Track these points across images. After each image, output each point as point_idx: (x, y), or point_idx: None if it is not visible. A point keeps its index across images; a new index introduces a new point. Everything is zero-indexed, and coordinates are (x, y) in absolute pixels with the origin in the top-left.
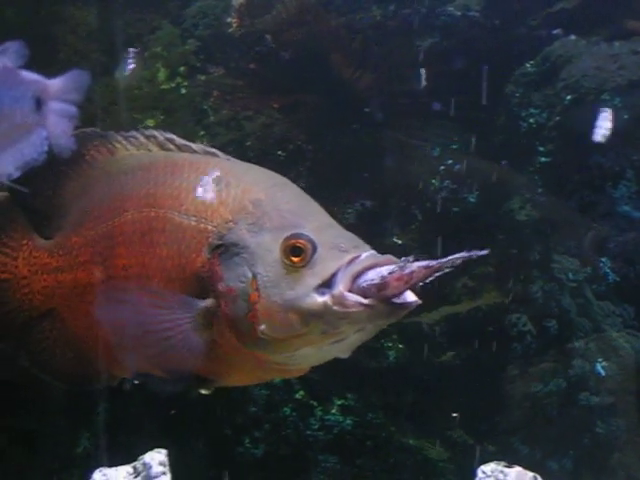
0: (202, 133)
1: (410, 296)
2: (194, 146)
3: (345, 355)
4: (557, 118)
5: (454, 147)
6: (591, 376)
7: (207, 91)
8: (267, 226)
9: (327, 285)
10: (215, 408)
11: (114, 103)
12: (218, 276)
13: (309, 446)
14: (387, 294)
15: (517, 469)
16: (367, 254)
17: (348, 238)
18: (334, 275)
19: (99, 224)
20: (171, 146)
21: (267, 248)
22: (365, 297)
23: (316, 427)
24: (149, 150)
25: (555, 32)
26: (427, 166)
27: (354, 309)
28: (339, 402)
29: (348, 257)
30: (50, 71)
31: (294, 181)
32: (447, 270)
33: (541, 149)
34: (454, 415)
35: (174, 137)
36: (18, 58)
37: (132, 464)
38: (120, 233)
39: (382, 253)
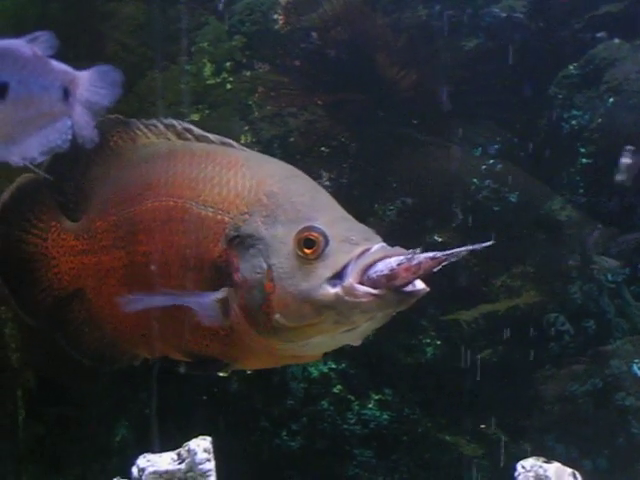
0: (246, 128)
1: (419, 284)
2: (211, 136)
3: (356, 343)
4: (599, 120)
5: (496, 147)
6: (627, 377)
7: (252, 87)
8: (281, 218)
9: (339, 276)
10: (253, 400)
11: (161, 96)
12: (234, 266)
13: (345, 440)
14: (396, 284)
15: (556, 465)
16: (377, 246)
17: (359, 231)
18: (345, 267)
19: (121, 210)
20: (189, 136)
21: (281, 240)
22: (375, 287)
23: (353, 421)
24: (168, 139)
25: (599, 35)
26: (469, 165)
27: (364, 299)
28: (376, 397)
29: (359, 249)
30: (99, 64)
31: (337, 178)
32: (453, 260)
33: (582, 150)
34: (490, 412)
35: (192, 127)
36: (48, 47)
37: (176, 450)
38: (141, 220)
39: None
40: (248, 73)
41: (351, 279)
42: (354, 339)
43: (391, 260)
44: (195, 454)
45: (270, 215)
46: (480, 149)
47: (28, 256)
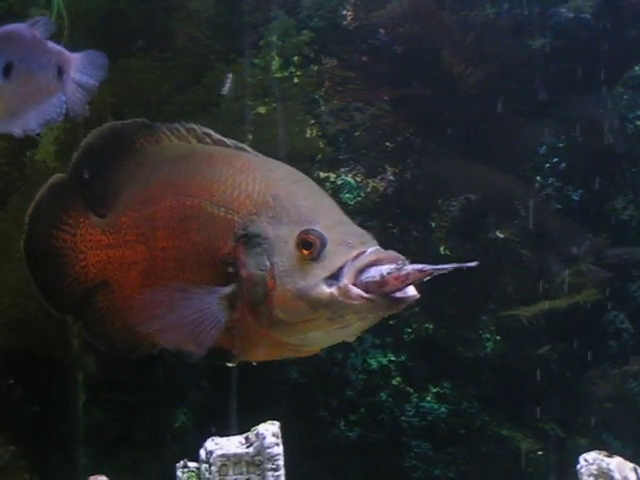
0: (312, 122)
1: (410, 290)
2: (227, 141)
3: (351, 339)
4: None
5: (560, 146)
6: None
7: (319, 81)
8: (285, 220)
9: (335, 277)
10: (313, 391)
11: (229, 89)
12: (241, 263)
13: (403, 432)
14: (386, 290)
15: (618, 459)
16: (372, 250)
17: (356, 234)
18: (341, 268)
19: (143, 207)
20: (208, 140)
21: (284, 240)
22: (367, 292)
23: (411, 413)
24: (189, 142)
25: None
26: (532, 163)
27: (357, 301)
28: (435, 390)
29: (354, 252)
30: (165, 56)
31: (401, 173)
32: (438, 273)
33: None
34: (547, 408)
35: (211, 132)
36: (46, 30)
37: (244, 434)
38: (160, 217)
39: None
40: (315, 67)
41: (346, 280)
42: (348, 335)
43: (382, 268)
44: (264, 438)
45: (275, 216)
46: (544, 147)
47: (58, 250)
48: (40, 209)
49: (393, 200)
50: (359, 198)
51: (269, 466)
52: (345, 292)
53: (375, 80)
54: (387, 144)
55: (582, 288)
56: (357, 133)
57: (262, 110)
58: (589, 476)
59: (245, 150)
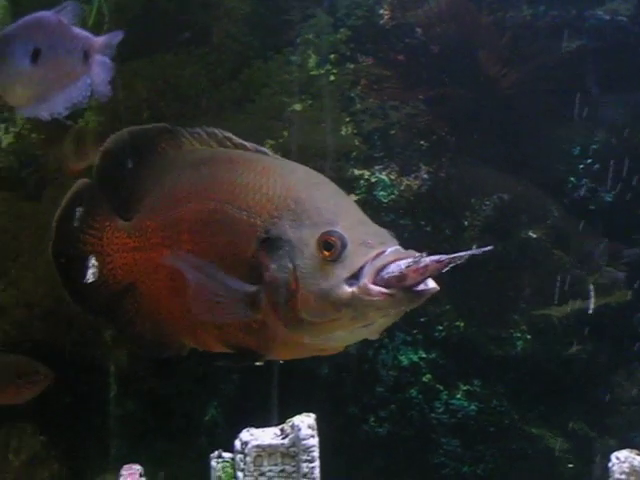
0: (348, 120)
1: (430, 283)
2: (248, 145)
3: (374, 337)
4: None
5: (594, 147)
6: None
7: (355, 79)
8: (306, 222)
9: (355, 277)
10: (344, 386)
11: (265, 86)
12: (265, 266)
13: (433, 428)
14: (406, 284)
15: None
16: (391, 249)
17: (376, 234)
18: (361, 268)
19: (168, 211)
20: (229, 144)
21: (305, 242)
22: (387, 287)
23: (441, 410)
24: (210, 146)
25: None
26: (566, 164)
27: (378, 298)
28: (465, 387)
29: (374, 252)
30: (203, 52)
31: (435, 172)
32: (457, 262)
33: None
34: (577, 407)
35: (231, 136)
36: (73, 16)
37: (279, 426)
38: (185, 221)
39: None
40: (352, 66)
41: (366, 279)
42: (372, 333)
43: (401, 262)
44: (299, 430)
45: (296, 219)
46: (579, 148)
47: (85, 254)
48: (66, 214)
49: (426, 198)
50: (393, 196)
51: (304, 457)
52: (366, 290)
53: (411, 79)
54: (422, 143)
55: (614, 289)
56: (392, 131)
57: (298, 107)
58: (621, 474)
59: (265, 153)
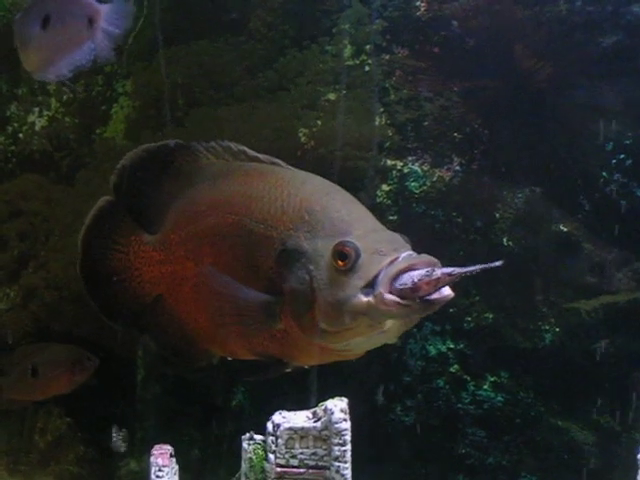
0: (381, 110)
1: (445, 290)
2: (262, 157)
3: (392, 341)
4: None
5: (627, 142)
6: None
7: (390, 70)
8: (320, 234)
9: (370, 286)
10: (370, 375)
11: (300, 75)
12: (283, 277)
13: (459, 419)
14: (419, 295)
15: None
16: (404, 255)
17: (389, 241)
18: (376, 277)
19: (189, 225)
20: (243, 157)
21: (320, 253)
22: (402, 298)
23: (467, 401)
24: (225, 160)
25: None
26: (599, 159)
27: (393, 308)
28: (492, 379)
29: (388, 260)
30: (239, 40)
31: (468, 164)
32: (468, 275)
33: None
34: (603, 401)
35: (246, 149)
36: None
37: (311, 410)
38: (205, 234)
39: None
40: (387, 57)
41: (381, 289)
42: (389, 338)
43: (414, 274)
44: (332, 413)
45: (311, 231)
46: (612, 144)
47: (113, 270)
48: (91, 232)
49: (458, 190)
50: (425, 187)
51: (336, 441)
52: (381, 300)
53: (446, 71)
54: (455, 134)
55: None
56: (426, 123)
57: (332, 96)
58: None
59: (279, 165)
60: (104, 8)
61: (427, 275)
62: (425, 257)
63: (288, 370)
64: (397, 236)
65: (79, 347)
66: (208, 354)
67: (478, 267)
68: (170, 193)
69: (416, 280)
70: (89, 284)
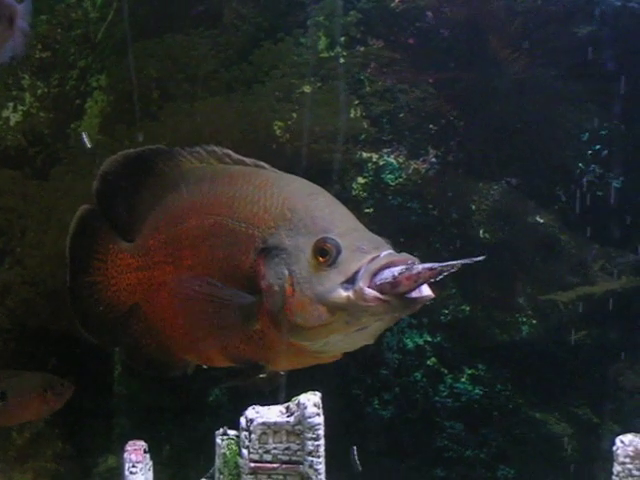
0: (357, 102)
1: (425, 290)
2: (247, 160)
3: (370, 342)
4: None
5: (603, 133)
6: None
7: (365, 62)
8: (302, 231)
9: (350, 281)
10: (348, 368)
11: (275, 67)
12: (261, 275)
13: (436, 412)
14: (399, 291)
15: None
16: (385, 253)
17: (370, 240)
18: (356, 273)
19: (169, 229)
20: (228, 160)
21: (301, 250)
22: (382, 293)
23: (445, 394)
24: (210, 163)
25: None
26: (575, 150)
27: (372, 303)
28: (469, 371)
29: (368, 257)
30: (213, 33)
31: (443, 155)
32: (450, 271)
33: None
34: (581, 393)
35: (230, 152)
36: None
37: (285, 404)
38: (186, 237)
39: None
40: (362, 48)
41: (361, 283)
42: (367, 338)
43: (394, 269)
44: (305, 408)
45: (293, 228)
46: (587, 134)
47: (92, 279)
48: (75, 242)
49: (434, 182)
50: (400, 179)
51: (309, 435)
52: (361, 295)
53: (421, 63)
54: (430, 126)
55: (621, 275)
56: (401, 115)
57: (307, 89)
58: (625, 457)
59: (263, 167)
60: (20, 7)
61: (407, 269)
62: (406, 255)
63: (263, 375)
64: (378, 237)
65: (52, 374)
66: (183, 363)
67: (459, 262)
68: (150, 199)
69: (396, 274)
70: (73, 296)
